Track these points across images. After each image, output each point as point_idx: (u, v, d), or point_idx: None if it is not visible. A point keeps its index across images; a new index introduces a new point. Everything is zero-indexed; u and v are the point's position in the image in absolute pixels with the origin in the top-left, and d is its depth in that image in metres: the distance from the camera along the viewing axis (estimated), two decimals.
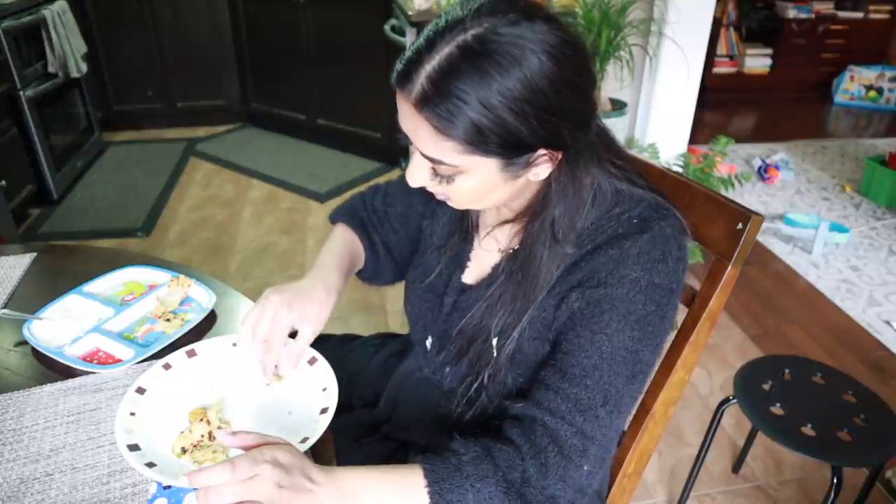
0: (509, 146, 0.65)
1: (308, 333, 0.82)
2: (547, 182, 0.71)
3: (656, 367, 0.75)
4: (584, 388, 0.69)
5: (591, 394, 0.69)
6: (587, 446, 0.69)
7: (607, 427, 0.70)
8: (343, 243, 0.97)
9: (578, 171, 0.71)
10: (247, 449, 0.62)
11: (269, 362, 0.81)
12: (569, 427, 0.69)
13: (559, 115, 0.64)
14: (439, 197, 0.75)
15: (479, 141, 0.63)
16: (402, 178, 0.97)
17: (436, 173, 0.70)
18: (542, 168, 0.69)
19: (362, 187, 1.07)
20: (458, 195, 0.72)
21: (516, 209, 0.78)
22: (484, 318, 0.78)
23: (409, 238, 0.99)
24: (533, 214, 0.74)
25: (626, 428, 0.92)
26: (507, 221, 0.80)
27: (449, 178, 0.69)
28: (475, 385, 0.79)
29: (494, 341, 0.76)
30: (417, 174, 0.71)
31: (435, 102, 0.62)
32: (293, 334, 0.84)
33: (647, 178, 0.78)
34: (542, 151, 0.67)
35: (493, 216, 0.84)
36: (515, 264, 0.76)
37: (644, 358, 0.71)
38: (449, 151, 0.65)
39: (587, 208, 0.73)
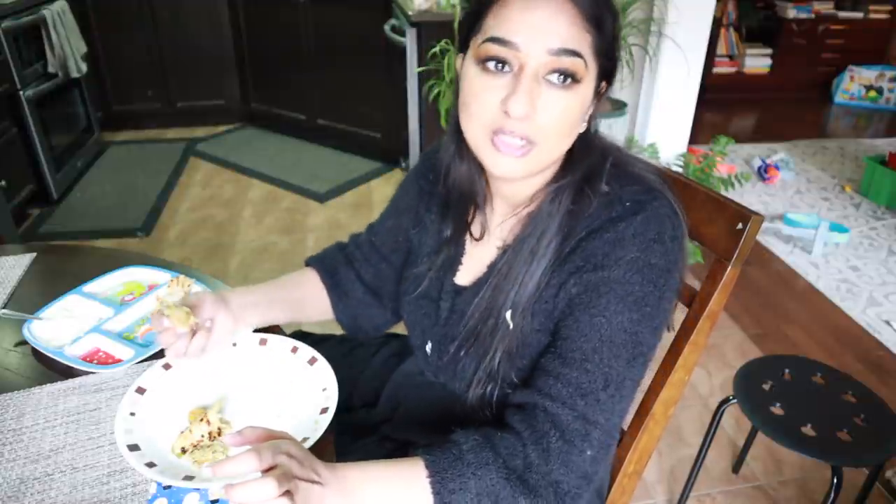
0: (609, 57, 0.71)
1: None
2: (569, 151, 0.76)
3: (657, 350, 0.74)
4: (585, 371, 0.69)
5: (591, 377, 0.69)
6: (589, 430, 0.69)
7: (609, 411, 0.70)
8: (288, 282, 0.98)
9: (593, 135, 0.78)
10: (255, 443, 0.62)
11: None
12: (570, 411, 0.68)
13: (618, 41, 0.73)
14: (518, 136, 0.70)
15: (604, 38, 0.69)
16: (390, 207, 0.99)
17: (550, 83, 0.68)
18: (588, 114, 0.75)
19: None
20: (548, 121, 0.69)
21: (536, 188, 0.79)
22: (493, 297, 0.77)
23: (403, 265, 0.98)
24: (555, 178, 0.77)
25: (626, 426, 0.92)
26: (530, 197, 0.80)
27: (565, 83, 0.68)
28: (486, 374, 0.78)
29: (508, 314, 0.76)
30: (523, 96, 0.67)
31: None
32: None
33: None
34: (602, 85, 0.74)
35: (503, 209, 0.83)
36: (528, 226, 0.77)
37: (643, 339, 0.71)
38: (585, 45, 0.68)
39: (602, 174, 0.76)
